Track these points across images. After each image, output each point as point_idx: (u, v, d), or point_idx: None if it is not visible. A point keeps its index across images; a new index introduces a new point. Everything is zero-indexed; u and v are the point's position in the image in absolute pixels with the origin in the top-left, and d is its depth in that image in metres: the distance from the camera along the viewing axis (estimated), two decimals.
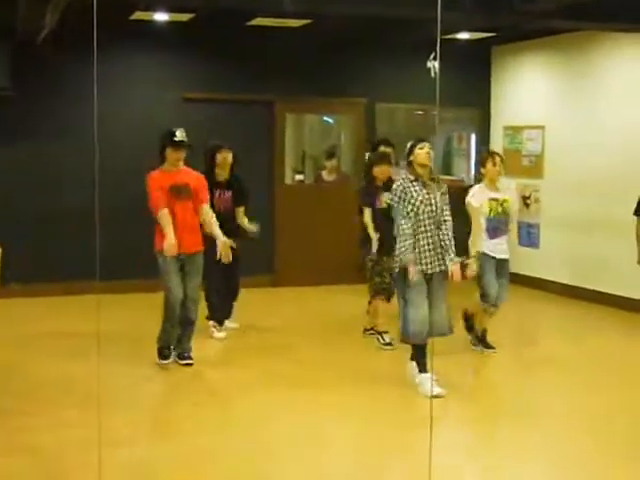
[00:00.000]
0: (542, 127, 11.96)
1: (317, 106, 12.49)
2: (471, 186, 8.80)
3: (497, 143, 12.86)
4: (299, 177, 12.59)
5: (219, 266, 8.20)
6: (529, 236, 12.24)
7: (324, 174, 12.47)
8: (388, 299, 8.51)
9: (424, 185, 6.98)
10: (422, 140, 7.21)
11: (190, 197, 7.70)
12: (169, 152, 7.70)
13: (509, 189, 8.59)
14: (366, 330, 8.91)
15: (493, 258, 8.13)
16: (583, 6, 8.26)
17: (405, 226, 6.87)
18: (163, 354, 7.80)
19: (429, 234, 6.95)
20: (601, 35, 10.73)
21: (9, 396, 6.87)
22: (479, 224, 8.08)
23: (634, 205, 8.94)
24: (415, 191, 6.91)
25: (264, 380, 7.50)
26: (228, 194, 9.02)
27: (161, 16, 10.43)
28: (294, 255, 11.96)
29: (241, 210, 9.05)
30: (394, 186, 7.06)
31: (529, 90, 12.35)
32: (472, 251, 7.98)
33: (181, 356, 7.84)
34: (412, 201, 6.88)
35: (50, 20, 8.54)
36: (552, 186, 11.80)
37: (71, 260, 10.68)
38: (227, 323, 9.24)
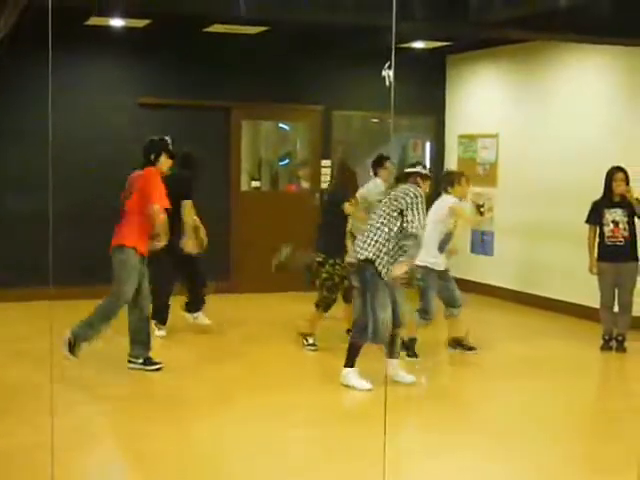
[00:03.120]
0: (496, 136, 12.07)
1: (274, 113, 12.52)
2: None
3: (452, 151, 12.97)
4: (255, 184, 12.60)
5: (174, 267, 8.79)
6: (483, 244, 12.34)
7: (302, 183, 12.61)
8: (325, 310, 8.78)
9: None
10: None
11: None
12: (163, 159, 7.88)
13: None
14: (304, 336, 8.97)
15: (436, 274, 8.42)
16: (537, 17, 8.35)
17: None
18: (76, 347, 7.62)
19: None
20: (555, 45, 10.86)
21: None
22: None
23: (586, 213, 9.06)
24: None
25: (219, 386, 7.52)
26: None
27: (117, 22, 10.40)
28: (250, 261, 11.95)
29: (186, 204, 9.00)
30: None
31: (483, 99, 12.47)
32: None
33: (148, 362, 7.83)
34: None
35: (5, 24, 8.47)
36: (506, 194, 11.91)
37: (23, 265, 10.60)
38: (200, 317, 9.44)
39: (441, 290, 8.56)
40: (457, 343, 8.85)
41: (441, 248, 8.42)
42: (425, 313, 8.38)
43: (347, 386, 7.34)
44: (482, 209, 12.31)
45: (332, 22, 9.05)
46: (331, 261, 8.52)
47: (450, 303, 8.67)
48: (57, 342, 7.38)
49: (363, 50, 11.24)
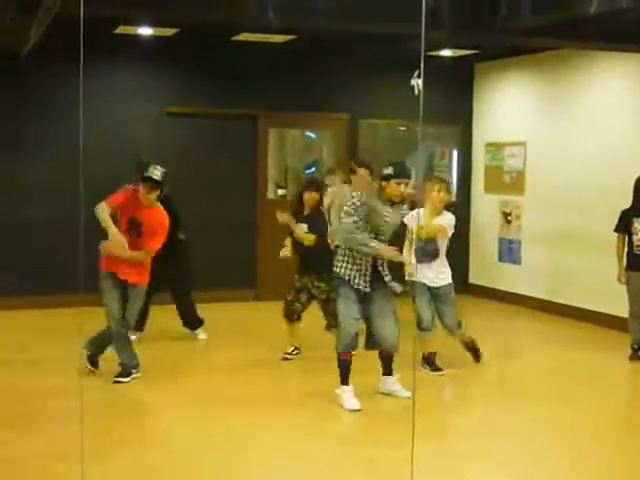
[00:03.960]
0: (523, 144, 12.03)
1: (300, 121, 12.54)
2: (454, 203, 8.67)
3: (479, 159, 12.93)
4: (281, 192, 12.62)
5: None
6: (510, 252, 12.29)
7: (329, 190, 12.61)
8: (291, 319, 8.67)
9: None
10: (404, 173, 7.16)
11: (139, 237, 7.58)
12: (141, 186, 7.52)
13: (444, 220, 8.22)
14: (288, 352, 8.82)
15: (423, 285, 8.07)
16: (565, 24, 8.32)
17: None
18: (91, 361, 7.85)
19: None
20: (582, 53, 10.82)
21: None
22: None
23: (615, 221, 9.01)
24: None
25: (249, 390, 7.52)
26: None
27: (145, 30, 10.46)
28: (276, 269, 11.91)
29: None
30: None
31: (511, 107, 12.43)
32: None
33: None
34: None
35: (35, 34, 8.55)
36: (533, 202, 11.87)
37: (53, 272, 10.66)
38: (200, 333, 9.57)
39: (435, 308, 8.19)
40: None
41: (418, 259, 8.02)
42: (418, 324, 8.07)
43: (385, 394, 7.37)
44: (509, 217, 12.28)
45: (360, 31, 9.05)
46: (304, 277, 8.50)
47: (441, 323, 8.25)
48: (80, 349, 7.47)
49: (390, 58, 11.26)
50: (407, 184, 7.09)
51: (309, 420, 6.82)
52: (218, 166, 11.78)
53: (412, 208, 7.74)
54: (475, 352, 8.53)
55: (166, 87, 11.59)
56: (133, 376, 7.75)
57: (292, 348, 8.73)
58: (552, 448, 6.23)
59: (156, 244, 7.65)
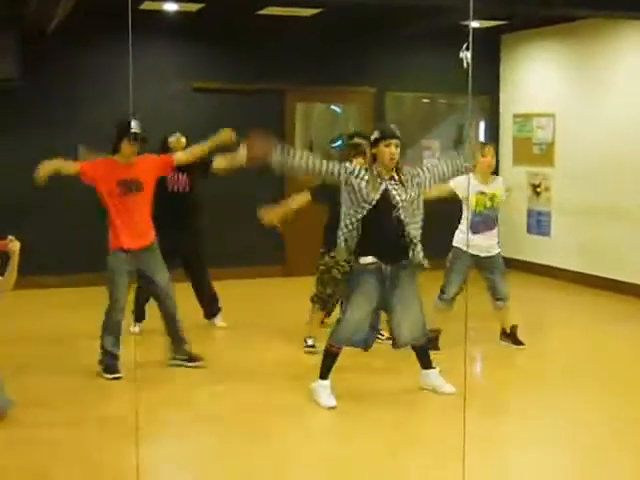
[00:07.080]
0: (552, 115, 11.92)
1: (327, 95, 12.46)
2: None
3: (507, 131, 12.83)
4: None
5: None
6: (539, 224, 12.22)
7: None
8: (322, 308, 8.13)
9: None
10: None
11: (140, 190, 7.26)
12: (125, 144, 7.23)
13: (498, 183, 8.16)
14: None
15: (471, 255, 7.77)
16: None
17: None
18: (109, 369, 7.19)
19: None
20: (613, 23, 10.69)
21: (28, 390, 6.80)
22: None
23: None
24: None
25: (291, 378, 7.47)
26: (182, 176, 8.67)
27: (170, 6, 10.40)
28: (305, 245, 11.89)
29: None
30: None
31: (539, 78, 12.31)
32: None
33: (190, 359, 7.52)
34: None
35: (61, 10, 8.53)
36: (563, 174, 11.77)
37: (88, 251, 10.64)
38: (217, 321, 9.09)
39: (484, 279, 8.04)
40: (505, 335, 8.25)
41: (474, 229, 7.82)
42: (441, 293, 7.85)
43: (426, 389, 6.89)
44: (538, 189, 12.19)
45: (387, 2, 8.98)
46: (333, 253, 7.43)
47: (492, 294, 8.07)
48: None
49: (417, 30, 11.17)
50: (397, 145, 6.38)
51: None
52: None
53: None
54: (514, 336, 8.22)
55: (192, 63, 11.55)
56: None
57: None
58: (594, 431, 6.10)
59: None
